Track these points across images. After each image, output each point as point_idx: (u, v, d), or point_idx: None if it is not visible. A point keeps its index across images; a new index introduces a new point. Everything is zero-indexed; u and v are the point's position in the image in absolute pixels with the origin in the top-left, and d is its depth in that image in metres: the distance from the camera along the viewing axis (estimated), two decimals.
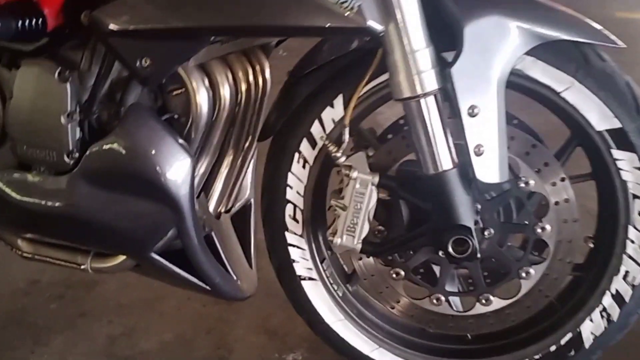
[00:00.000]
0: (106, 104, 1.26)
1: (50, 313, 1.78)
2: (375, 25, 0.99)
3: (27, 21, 1.07)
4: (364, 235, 1.23)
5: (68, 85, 1.19)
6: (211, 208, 1.42)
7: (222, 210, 1.48)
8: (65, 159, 1.22)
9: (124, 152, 1.18)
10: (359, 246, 1.24)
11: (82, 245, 1.34)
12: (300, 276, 1.39)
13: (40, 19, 1.09)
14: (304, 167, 1.32)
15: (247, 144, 1.44)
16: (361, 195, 1.22)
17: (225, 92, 1.28)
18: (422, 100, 1.11)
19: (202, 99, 1.24)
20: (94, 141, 1.21)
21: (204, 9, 1.00)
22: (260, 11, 0.99)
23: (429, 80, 1.09)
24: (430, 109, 1.12)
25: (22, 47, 1.15)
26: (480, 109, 1.10)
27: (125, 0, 1.03)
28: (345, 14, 0.97)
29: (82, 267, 1.35)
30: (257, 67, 1.38)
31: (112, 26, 1.04)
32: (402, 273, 1.31)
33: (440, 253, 1.22)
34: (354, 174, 1.21)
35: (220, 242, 1.40)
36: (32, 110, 1.22)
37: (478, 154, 1.12)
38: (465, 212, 1.16)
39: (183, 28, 1.03)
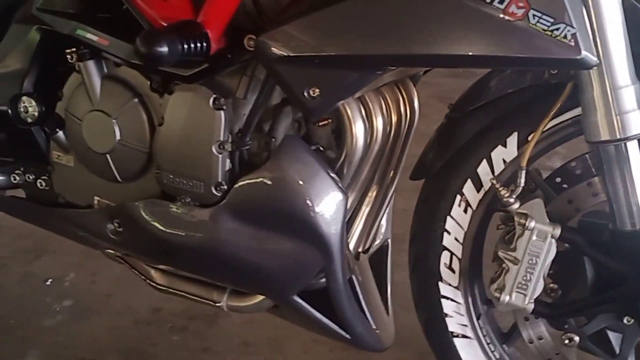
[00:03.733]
0: (256, 135, 1.18)
1: (173, 345, 1.72)
2: (589, 57, 0.85)
3: (191, 43, 1.00)
4: (536, 294, 1.08)
5: (222, 113, 1.10)
6: (351, 247, 1.31)
7: (361, 250, 1.37)
8: (213, 190, 1.14)
9: (275, 185, 1.10)
10: (531, 306, 1.09)
11: (220, 281, 1.27)
12: (452, 333, 1.25)
13: (205, 42, 1.02)
14: (465, 211, 1.19)
15: (389, 180, 1.33)
16: (538, 248, 1.07)
17: (379, 124, 1.19)
18: (622, 145, 0.97)
19: (359, 131, 1.15)
20: (243, 173, 1.13)
21: (387, 35, 0.89)
22: (454, 39, 0.86)
23: (635, 122, 0.95)
24: (631, 155, 0.98)
25: (180, 72, 1.09)
26: None
27: (295, 26, 0.93)
28: (557, 44, 0.83)
29: (218, 304, 1.28)
30: (406, 97, 1.26)
31: (281, 52, 0.95)
32: (577, 339, 1.14)
33: (626, 320, 1.06)
34: (531, 224, 1.07)
35: (361, 287, 1.28)
36: (182, 138, 1.15)
37: None
38: None
39: (360, 57, 0.92)
